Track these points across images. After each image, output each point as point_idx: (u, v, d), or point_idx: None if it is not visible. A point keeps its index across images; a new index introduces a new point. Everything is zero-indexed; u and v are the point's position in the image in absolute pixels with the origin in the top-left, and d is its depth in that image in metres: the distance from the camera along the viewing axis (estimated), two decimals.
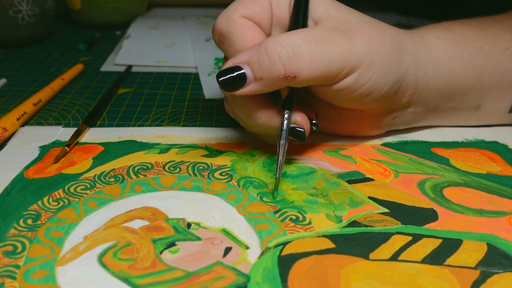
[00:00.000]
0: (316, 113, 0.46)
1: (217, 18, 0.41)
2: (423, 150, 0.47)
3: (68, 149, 0.44)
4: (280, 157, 0.39)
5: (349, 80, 0.40)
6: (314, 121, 0.43)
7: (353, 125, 0.48)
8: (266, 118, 0.40)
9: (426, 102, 0.47)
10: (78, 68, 0.67)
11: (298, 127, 0.40)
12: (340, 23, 0.40)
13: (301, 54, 0.37)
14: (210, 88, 0.64)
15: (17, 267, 0.31)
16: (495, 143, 0.49)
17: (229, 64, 0.38)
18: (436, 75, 0.45)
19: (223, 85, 0.38)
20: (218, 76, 0.38)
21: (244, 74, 0.37)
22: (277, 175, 0.38)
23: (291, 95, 0.40)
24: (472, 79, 0.47)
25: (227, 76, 0.37)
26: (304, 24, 0.41)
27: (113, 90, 0.59)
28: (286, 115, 0.39)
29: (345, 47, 0.38)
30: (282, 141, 0.39)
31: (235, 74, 0.37)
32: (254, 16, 0.41)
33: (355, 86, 0.40)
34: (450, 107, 0.49)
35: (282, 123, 0.39)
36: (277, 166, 0.39)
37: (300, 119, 0.40)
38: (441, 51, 0.46)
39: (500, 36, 0.49)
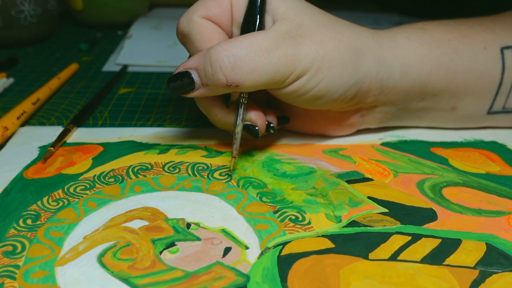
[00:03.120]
0: (284, 111, 0.48)
1: (180, 18, 0.42)
2: (422, 150, 0.47)
3: (53, 150, 0.44)
4: (234, 146, 0.41)
5: (296, 85, 0.41)
6: (272, 124, 0.43)
7: (321, 124, 0.48)
8: (221, 116, 0.42)
9: (395, 101, 0.47)
10: (73, 67, 0.67)
11: (252, 125, 0.41)
12: (292, 27, 0.40)
13: (242, 65, 0.38)
14: None
15: (17, 267, 0.31)
16: (494, 143, 0.49)
17: (180, 69, 0.40)
18: (404, 76, 0.45)
19: (173, 89, 0.40)
20: (168, 81, 0.40)
21: (192, 79, 0.39)
22: (233, 155, 0.41)
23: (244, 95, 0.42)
24: (445, 79, 0.47)
25: (177, 81, 0.39)
26: (259, 25, 0.41)
27: (104, 90, 0.59)
28: (242, 100, 0.41)
29: (290, 54, 0.39)
30: (236, 126, 0.41)
31: (184, 79, 0.39)
32: (214, 17, 0.42)
33: (303, 90, 0.41)
34: (422, 107, 0.49)
35: (238, 107, 0.41)
36: (233, 150, 0.41)
37: (254, 117, 0.41)
38: (410, 52, 0.46)
39: (478, 37, 0.48)
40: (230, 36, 0.43)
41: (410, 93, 0.47)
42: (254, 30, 0.41)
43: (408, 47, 0.46)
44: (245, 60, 0.38)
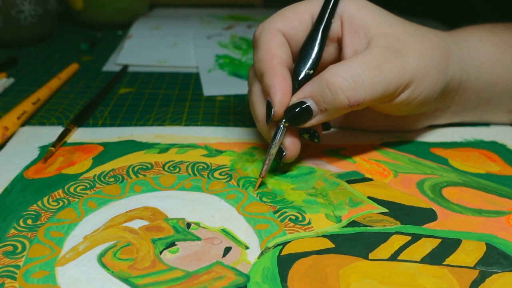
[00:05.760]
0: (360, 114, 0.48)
1: (260, 24, 0.43)
2: (422, 150, 0.47)
3: (54, 149, 0.44)
4: (264, 166, 0.40)
5: (403, 96, 0.41)
6: (316, 133, 0.43)
7: (399, 123, 0.49)
8: (262, 125, 0.42)
9: (466, 102, 0.49)
10: (73, 67, 0.67)
11: (281, 149, 0.41)
12: (391, 41, 0.41)
13: (362, 82, 0.38)
14: (210, 85, 0.64)
15: (17, 267, 0.31)
16: (493, 143, 0.49)
17: (294, 100, 0.39)
18: (478, 78, 0.47)
19: (291, 120, 0.39)
20: (286, 113, 0.39)
21: (309, 107, 0.39)
22: (261, 175, 0.40)
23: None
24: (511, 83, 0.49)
25: (294, 111, 0.39)
26: (321, 45, 0.41)
27: (104, 90, 0.59)
28: (283, 120, 0.40)
29: (399, 66, 0.40)
30: (272, 147, 0.40)
31: (300, 108, 0.39)
32: (291, 30, 0.42)
33: (409, 100, 0.42)
34: (485, 109, 0.51)
35: (277, 128, 0.40)
36: (262, 170, 0.40)
37: (287, 144, 0.41)
38: (484, 54, 0.47)
39: None
40: (294, 55, 0.43)
41: (480, 95, 0.48)
42: (313, 52, 0.41)
43: (482, 50, 0.47)
44: (362, 77, 0.38)
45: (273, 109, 0.39)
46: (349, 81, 0.38)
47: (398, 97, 0.41)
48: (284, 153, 0.40)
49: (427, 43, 0.43)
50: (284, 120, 0.40)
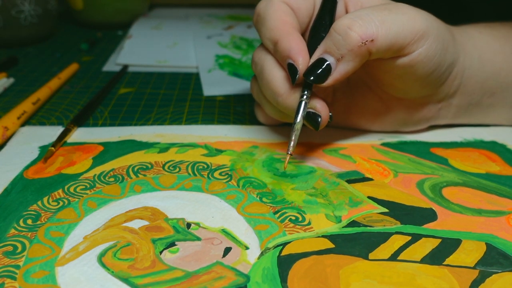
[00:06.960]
0: (364, 110, 0.48)
1: (260, 1, 0.43)
2: (422, 150, 0.47)
3: (54, 149, 0.44)
4: (291, 143, 0.39)
5: (421, 52, 0.41)
6: (330, 114, 0.42)
7: (401, 118, 0.48)
8: (284, 98, 0.41)
9: (470, 94, 0.48)
10: (73, 67, 0.67)
11: (315, 114, 0.40)
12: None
13: (371, 19, 0.38)
14: (210, 85, 0.64)
15: (17, 267, 0.31)
16: (493, 143, 0.49)
17: (311, 61, 0.39)
18: (481, 67, 0.47)
19: (314, 80, 0.39)
20: (306, 75, 0.39)
21: (325, 60, 0.39)
22: (289, 152, 0.39)
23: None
24: None
25: (314, 71, 0.39)
26: (331, 18, 0.42)
27: (104, 90, 0.59)
28: (304, 96, 0.40)
29: (412, 13, 0.40)
30: (296, 122, 0.39)
31: (317, 65, 0.39)
32: (294, 3, 0.42)
33: (426, 59, 0.41)
34: (491, 103, 0.50)
35: (300, 103, 0.40)
36: (289, 147, 0.39)
37: (319, 106, 0.40)
38: (484, 44, 0.48)
39: None
40: (306, 26, 0.43)
41: (484, 86, 0.48)
42: (325, 31, 0.41)
43: (482, 41, 0.48)
44: (370, 15, 0.38)
45: (298, 68, 0.39)
46: (356, 19, 0.38)
47: (415, 52, 0.41)
48: (320, 118, 0.40)
49: (434, 18, 0.43)
50: (305, 96, 0.39)
